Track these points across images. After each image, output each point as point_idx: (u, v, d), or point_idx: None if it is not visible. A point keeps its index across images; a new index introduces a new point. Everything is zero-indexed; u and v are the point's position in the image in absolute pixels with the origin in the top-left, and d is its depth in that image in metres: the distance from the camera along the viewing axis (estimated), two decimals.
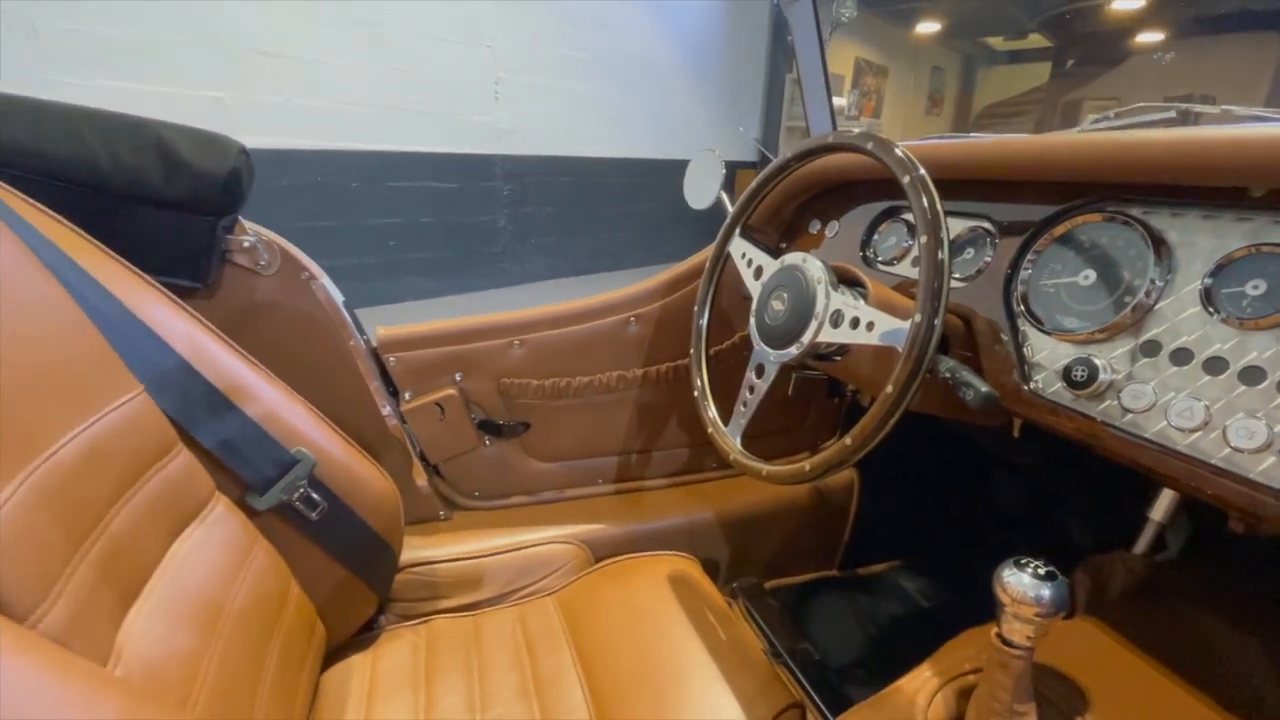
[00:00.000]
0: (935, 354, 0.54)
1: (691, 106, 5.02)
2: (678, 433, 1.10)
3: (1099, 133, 0.67)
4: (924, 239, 0.55)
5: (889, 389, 0.54)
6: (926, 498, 1.27)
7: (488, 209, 3.98)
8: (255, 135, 2.47)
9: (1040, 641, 0.50)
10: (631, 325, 1.01)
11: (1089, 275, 0.61)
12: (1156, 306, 0.55)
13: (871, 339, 0.60)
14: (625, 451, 1.09)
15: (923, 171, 0.57)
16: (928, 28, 6.72)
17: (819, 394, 1.17)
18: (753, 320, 0.75)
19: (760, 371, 0.73)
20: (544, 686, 0.72)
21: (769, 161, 0.81)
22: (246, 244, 0.79)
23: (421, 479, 0.98)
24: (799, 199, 0.99)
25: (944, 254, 0.54)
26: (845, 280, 0.70)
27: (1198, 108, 0.86)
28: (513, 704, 0.71)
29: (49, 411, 0.47)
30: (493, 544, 0.95)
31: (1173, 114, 0.84)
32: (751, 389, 0.73)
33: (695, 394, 0.83)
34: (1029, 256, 0.66)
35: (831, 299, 0.65)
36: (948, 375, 0.57)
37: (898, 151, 0.59)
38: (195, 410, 0.63)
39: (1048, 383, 0.61)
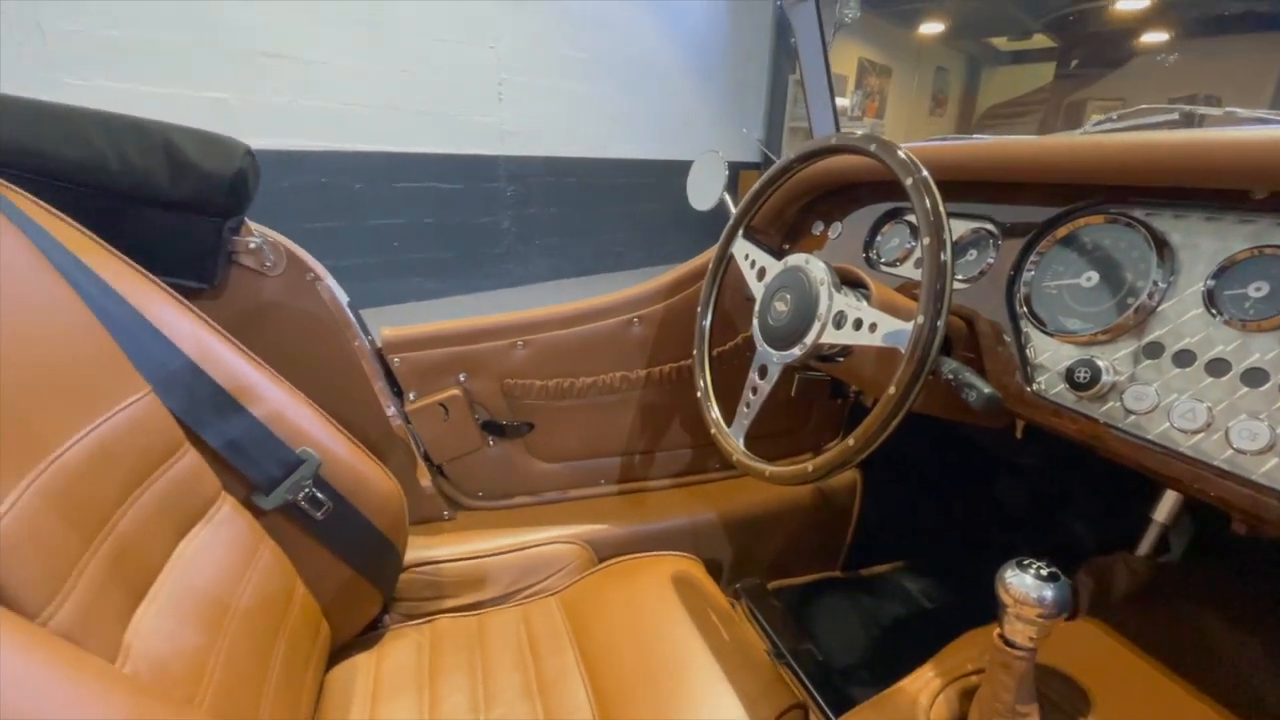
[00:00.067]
0: (938, 355, 0.54)
1: (695, 107, 5.02)
2: (681, 433, 1.11)
3: (1101, 134, 0.67)
4: (926, 241, 0.55)
5: (892, 390, 0.54)
6: (929, 499, 1.27)
7: (491, 210, 3.99)
8: (259, 136, 2.48)
9: (1043, 642, 0.50)
10: (635, 326, 1.02)
11: (1092, 277, 0.61)
12: (1159, 308, 0.55)
13: (874, 340, 0.60)
14: (628, 452, 1.10)
15: (925, 173, 0.57)
16: (931, 28, 6.71)
17: (822, 395, 1.17)
18: (756, 321, 0.75)
19: (763, 372, 0.73)
20: (547, 686, 0.73)
21: (772, 162, 0.81)
22: (252, 245, 0.80)
23: (426, 479, 0.98)
24: (802, 200, 0.99)
25: (946, 256, 0.54)
26: (848, 281, 0.70)
27: (1201, 109, 0.86)
28: (516, 703, 0.71)
29: (58, 412, 0.47)
30: (496, 544, 0.95)
31: (1176, 116, 0.84)
32: (754, 390, 0.74)
33: (698, 395, 0.83)
34: (1032, 258, 0.66)
35: (834, 300, 0.65)
36: (950, 376, 0.57)
37: (900, 153, 0.59)
38: (202, 410, 0.64)
39: (1050, 384, 0.61)
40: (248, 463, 0.66)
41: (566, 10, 3.97)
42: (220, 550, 0.60)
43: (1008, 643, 0.50)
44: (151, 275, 0.68)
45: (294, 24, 2.94)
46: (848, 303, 0.64)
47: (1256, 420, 0.47)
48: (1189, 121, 0.86)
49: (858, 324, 0.62)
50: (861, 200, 0.92)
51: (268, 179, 0.80)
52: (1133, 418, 0.54)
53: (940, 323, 0.53)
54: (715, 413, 0.80)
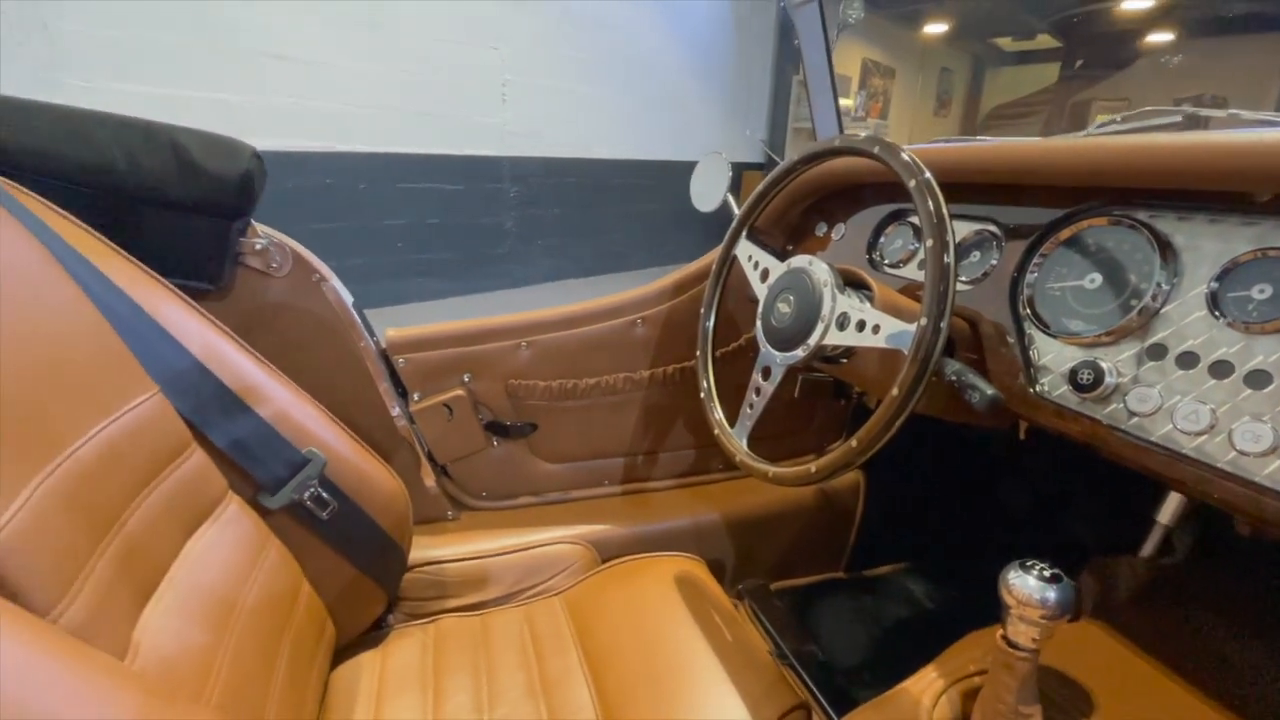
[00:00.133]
0: (941, 357, 0.54)
1: (698, 108, 5.02)
2: (684, 434, 1.11)
3: (1105, 136, 0.67)
4: (929, 242, 0.55)
5: (895, 391, 0.54)
6: (932, 500, 1.27)
7: (494, 210, 4.00)
8: (263, 137, 2.48)
9: (1045, 644, 0.50)
10: (638, 327, 1.02)
11: (1095, 278, 0.61)
12: (1162, 310, 0.55)
13: (878, 341, 0.60)
14: (632, 453, 1.10)
15: (928, 175, 0.57)
16: (936, 29, 6.71)
17: (825, 396, 1.17)
18: (759, 322, 0.75)
19: (766, 373, 0.73)
20: (551, 686, 0.73)
21: (775, 164, 0.81)
22: (259, 246, 0.80)
23: (430, 479, 0.99)
24: (805, 202, 1.00)
25: (949, 257, 0.54)
26: (851, 283, 0.70)
27: (1205, 111, 0.86)
28: (520, 703, 0.71)
29: (68, 412, 0.47)
30: (500, 544, 0.95)
31: (1179, 118, 0.84)
32: (758, 391, 0.74)
33: (701, 396, 0.83)
34: (1035, 260, 0.66)
35: (838, 301, 0.65)
36: (953, 378, 0.57)
37: (904, 155, 0.60)
38: (209, 411, 0.64)
39: (1053, 385, 0.61)
40: (254, 463, 0.67)
41: (569, 11, 3.98)
42: (227, 549, 0.60)
43: (1011, 644, 0.50)
44: (159, 276, 0.69)
45: (297, 25, 2.95)
46: (851, 304, 0.65)
47: (1260, 422, 0.47)
48: (1193, 124, 0.86)
49: (861, 325, 0.62)
50: (865, 202, 0.92)
51: (271, 180, 0.80)
52: (1136, 419, 0.54)
53: (943, 324, 0.53)
54: (718, 414, 0.81)
